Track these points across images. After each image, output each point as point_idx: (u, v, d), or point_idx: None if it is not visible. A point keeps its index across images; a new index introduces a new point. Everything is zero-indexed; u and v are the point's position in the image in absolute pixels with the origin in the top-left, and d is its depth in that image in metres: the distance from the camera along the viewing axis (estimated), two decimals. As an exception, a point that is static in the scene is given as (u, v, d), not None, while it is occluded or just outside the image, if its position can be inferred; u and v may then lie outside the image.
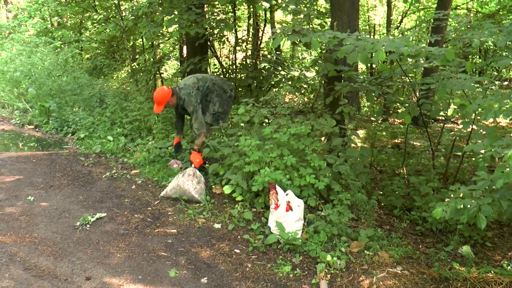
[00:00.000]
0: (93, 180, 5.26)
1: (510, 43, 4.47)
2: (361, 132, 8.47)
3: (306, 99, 9.16)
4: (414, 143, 7.99)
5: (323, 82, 5.54)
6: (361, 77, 5.42)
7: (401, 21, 14.05)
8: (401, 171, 6.05)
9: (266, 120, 5.71)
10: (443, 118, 6.63)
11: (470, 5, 13.20)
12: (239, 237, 4.03)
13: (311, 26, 5.06)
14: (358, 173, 4.83)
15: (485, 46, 12.01)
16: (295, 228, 3.87)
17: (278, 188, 4.02)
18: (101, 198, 4.74)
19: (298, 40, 4.55)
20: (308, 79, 8.69)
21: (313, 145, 4.71)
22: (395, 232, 4.37)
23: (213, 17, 8.30)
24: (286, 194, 4.06)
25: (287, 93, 8.18)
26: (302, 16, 4.91)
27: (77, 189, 4.95)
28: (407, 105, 5.31)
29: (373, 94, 5.05)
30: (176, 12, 6.75)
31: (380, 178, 6.06)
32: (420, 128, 8.84)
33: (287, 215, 3.86)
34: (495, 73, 14.19)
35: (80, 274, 3.27)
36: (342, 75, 5.44)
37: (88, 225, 4.07)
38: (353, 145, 5.24)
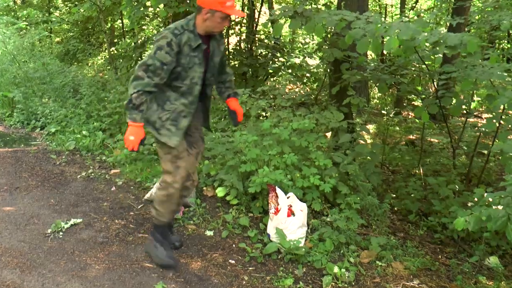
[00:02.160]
0: (66, 181, 5.26)
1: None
2: (371, 127, 8.51)
3: (308, 90, 9.16)
4: (432, 139, 8.04)
5: (328, 70, 5.55)
6: (372, 65, 5.44)
7: (416, 1, 14.08)
8: (417, 171, 6.09)
9: (264, 113, 5.72)
10: (465, 112, 6.67)
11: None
12: (234, 245, 4.04)
13: (315, 6, 5.06)
14: (369, 173, 4.86)
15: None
16: (297, 235, 3.89)
17: (278, 191, 4.03)
18: (76, 201, 4.74)
19: (301, 25, 4.55)
20: (311, 67, 8.71)
21: (318, 142, 4.73)
22: (410, 241, 4.41)
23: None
24: (288, 197, 4.07)
25: (288, 82, 8.16)
26: (305, -5, 4.92)
27: (47, 192, 4.95)
28: (424, 97, 5.34)
29: (386, 83, 5.06)
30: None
31: (393, 179, 6.10)
32: (439, 123, 8.87)
33: (289, 221, 3.87)
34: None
35: (53, 288, 3.27)
36: (350, 62, 5.45)
37: (61, 233, 4.07)
38: (362, 141, 5.25)
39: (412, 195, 5.20)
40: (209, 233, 4.22)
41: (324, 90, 7.34)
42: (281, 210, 3.90)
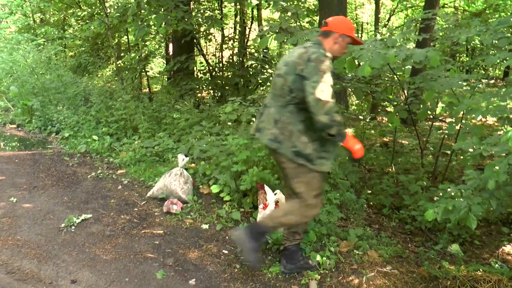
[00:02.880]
0: (78, 181, 5.21)
1: (496, 41, 4.51)
2: (350, 131, 8.51)
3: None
4: (403, 141, 8.06)
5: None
6: (350, 75, 5.43)
7: (388, 19, 14.14)
8: (390, 169, 6.10)
9: (254, 119, 5.69)
10: (431, 117, 6.69)
11: (458, 4, 13.34)
12: (227, 237, 4.01)
13: (299, 23, 5.05)
14: (347, 172, 4.85)
15: (472, 44, 12.15)
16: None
17: (266, 188, 4.01)
18: (86, 199, 4.69)
19: (285, 39, 4.54)
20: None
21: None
22: (384, 231, 4.40)
23: (200, 13, 8.29)
24: (275, 194, 4.05)
25: None
26: (289, 13, 4.90)
27: (61, 190, 4.90)
28: (395, 103, 5.35)
29: (362, 91, 5.06)
30: (163, 10, 6.71)
31: (369, 177, 6.09)
32: (409, 127, 8.92)
33: (276, 215, 3.85)
34: (482, 71, 14.36)
35: (65, 277, 3.22)
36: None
37: (73, 227, 4.03)
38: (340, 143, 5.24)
39: (386, 191, 5.19)
40: (205, 226, 4.19)
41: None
42: (269, 205, 3.88)
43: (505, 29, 4.52)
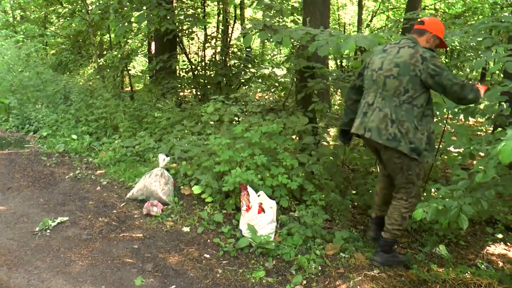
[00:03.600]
0: (55, 182, 4.95)
1: (480, 39, 4.41)
2: (333, 130, 8.37)
3: (277, 97, 8.98)
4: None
5: (294, 79, 5.37)
6: (334, 74, 5.28)
7: (371, 20, 14.07)
8: (373, 169, 5.97)
9: (236, 118, 5.50)
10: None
11: (438, 6, 13.34)
12: (209, 240, 3.81)
13: (283, 22, 4.87)
14: (332, 172, 4.69)
15: (451, 46, 12.13)
16: (267, 230, 3.69)
17: (249, 189, 3.83)
18: (63, 200, 4.44)
19: (270, 37, 4.36)
20: (279, 77, 8.53)
21: (285, 144, 4.55)
22: (369, 232, 4.25)
23: (182, 12, 8.05)
24: (258, 195, 3.87)
25: (258, 91, 7.97)
26: (273, 11, 4.71)
27: (37, 191, 4.64)
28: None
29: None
30: (145, 8, 6.46)
31: (353, 177, 5.94)
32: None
33: (259, 217, 3.67)
34: (461, 72, 14.39)
35: (37, 286, 3.00)
36: (315, 72, 5.29)
37: (48, 231, 3.79)
38: (325, 143, 5.08)
39: (370, 191, 5.05)
40: (185, 229, 3.99)
41: (290, 97, 7.14)
42: (252, 207, 3.70)
43: (487, 30, 4.43)
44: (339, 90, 5.94)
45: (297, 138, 4.98)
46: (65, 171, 5.31)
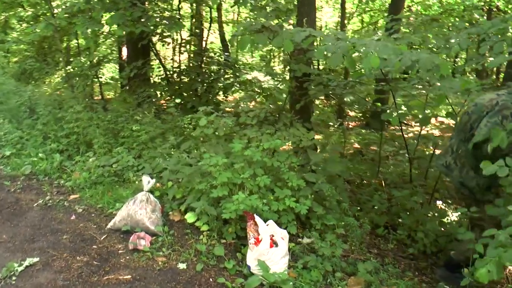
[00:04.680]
0: (21, 211, 4.21)
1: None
2: (317, 137, 7.88)
3: (267, 106, 8.39)
4: (373, 147, 7.50)
5: (293, 86, 4.82)
6: (334, 81, 4.75)
7: (348, 22, 13.72)
8: (372, 181, 5.49)
9: (229, 131, 4.88)
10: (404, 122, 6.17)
11: (415, 8, 13.13)
12: (211, 280, 3.20)
13: (280, 22, 4.32)
14: (339, 190, 4.15)
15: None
16: (281, 266, 3.12)
17: (257, 219, 3.24)
18: (32, 235, 3.72)
19: (269, 40, 3.79)
20: (262, 83, 7.97)
21: (289, 161, 3.98)
22: (385, 257, 3.75)
23: (156, 14, 7.38)
24: (267, 225, 3.28)
25: (250, 99, 7.39)
26: (269, 9, 4.14)
27: (0, 225, 3.90)
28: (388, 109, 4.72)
29: (352, 98, 4.40)
30: (118, 9, 5.77)
31: (351, 190, 5.45)
32: (378, 132, 8.45)
33: (272, 251, 3.09)
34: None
35: None
36: (312, 80, 4.75)
37: (14, 277, 3.08)
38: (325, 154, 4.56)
39: (377, 208, 4.56)
40: (181, 266, 3.35)
41: (281, 105, 6.58)
42: (263, 240, 3.11)
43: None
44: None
45: (299, 153, 4.39)
46: (33, 197, 4.56)
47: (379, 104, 5.20)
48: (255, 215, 3.26)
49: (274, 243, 3.13)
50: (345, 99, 4.91)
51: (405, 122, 9.37)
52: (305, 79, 4.61)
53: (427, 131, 5.58)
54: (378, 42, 3.31)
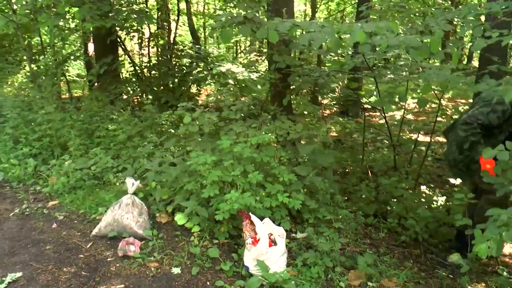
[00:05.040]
0: (-3, 222, 3.96)
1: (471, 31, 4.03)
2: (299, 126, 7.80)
3: (249, 99, 8.22)
4: (350, 136, 7.49)
5: (276, 78, 4.68)
6: (317, 73, 4.65)
7: (316, 11, 13.66)
8: (358, 169, 5.46)
9: (214, 127, 4.73)
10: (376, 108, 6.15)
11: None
12: (208, 283, 3.07)
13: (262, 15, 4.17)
14: (330, 182, 4.08)
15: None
16: (280, 264, 3.02)
17: (253, 218, 3.12)
18: (11, 248, 3.49)
19: (253, 32, 3.65)
20: (237, 75, 7.79)
21: (277, 155, 3.87)
22: (380, 247, 3.72)
23: (124, 8, 7.08)
24: (263, 223, 3.17)
25: (229, 92, 7.19)
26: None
27: (-25, 239, 3.65)
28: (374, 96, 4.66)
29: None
30: (86, 2, 5.48)
31: (336, 180, 5.40)
32: (352, 119, 8.45)
33: (271, 251, 2.99)
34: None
35: None
36: (293, 71, 4.64)
37: (-3, 296, 2.88)
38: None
39: (365, 197, 4.52)
40: (175, 270, 3.20)
41: (264, 98, 6.43)
42: (261, 240, 3.00)
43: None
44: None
45: (284, 146, 4.27)
46: (8, 206, 4.30)
47: (362, 92, 5.14)
48: (250, 214, 3.14)
49: (272, 242, 3.02)
50: (325, 89, 4.81)
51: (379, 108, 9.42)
52: (287, 71, 4.49)
53: (403, 116, 5.55)
54: (364, 23, 3.22)
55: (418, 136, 5.02)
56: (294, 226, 3.79)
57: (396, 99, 4.67)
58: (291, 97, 5.15)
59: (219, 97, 5.36)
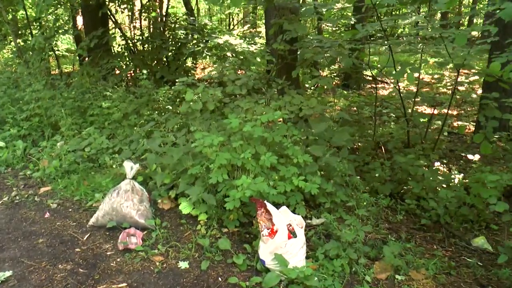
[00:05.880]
0: (-17, 212, 3.58)
1: None
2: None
3: (253, 72, 7.77)
4: (354, 109, 7.11)
5: (285, 50, 4.24)
6: (327, 42, 4.22)
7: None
8: (366, 145, 5.10)
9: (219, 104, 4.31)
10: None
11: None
12: (220, 279, 2.74)
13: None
14: (346, 162, 3.71)
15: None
16: (300, 257, 2.69)
17: (269, 206, 2.76)
18: (0, 243, 3.13)
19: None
20: (235, 46, 7.33)
21: (289, 133, 3.49)
22: (400, 232, 3.40)
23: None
24: (280, 212, 2.82)
25: (231, 65, 6.73)
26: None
27: (-40, 232, 3.28)
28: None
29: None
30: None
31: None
32: (353, 92, 8.06)
33: (290, 243, 2.65)
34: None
35: None
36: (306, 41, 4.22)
37: (-15, 299, 2.53)
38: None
39: (377, 175, 4.17)
40: (183, 265, 2.87)
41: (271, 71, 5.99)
42: (279, 231, 2.65)
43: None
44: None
45: (295, 123, 3.88)
46: (-4, 194, 3.93)
47: (375, 62, 4.74)
48: (266, 202, 2.78)
49: (291, 233, 2.67)
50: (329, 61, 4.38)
51: (383, 80, 9.02)
52: (293, 43, 4.07)
53: (417, 88, 5.15)
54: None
55: (434, 110, 4.65)
56: (308, 212, 3.45)
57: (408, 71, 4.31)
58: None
59: (221, 70, 4.89)
